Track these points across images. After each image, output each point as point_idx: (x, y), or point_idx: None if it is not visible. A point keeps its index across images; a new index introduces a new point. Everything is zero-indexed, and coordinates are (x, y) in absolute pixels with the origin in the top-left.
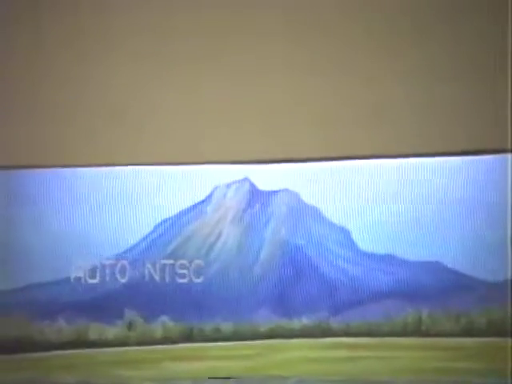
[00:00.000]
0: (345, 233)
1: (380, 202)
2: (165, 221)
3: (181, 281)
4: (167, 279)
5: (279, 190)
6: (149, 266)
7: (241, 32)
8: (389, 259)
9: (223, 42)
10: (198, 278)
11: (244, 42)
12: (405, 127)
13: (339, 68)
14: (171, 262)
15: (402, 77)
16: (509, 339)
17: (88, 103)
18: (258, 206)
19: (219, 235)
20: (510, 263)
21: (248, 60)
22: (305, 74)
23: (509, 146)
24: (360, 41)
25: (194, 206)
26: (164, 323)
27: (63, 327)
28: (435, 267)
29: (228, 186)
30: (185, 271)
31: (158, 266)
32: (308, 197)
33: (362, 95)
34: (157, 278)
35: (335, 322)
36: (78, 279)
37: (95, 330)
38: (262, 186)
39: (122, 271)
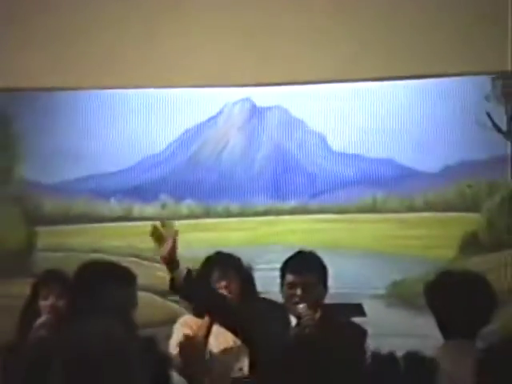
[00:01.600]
0: (322, 138)
1: (352, 116)
2: (188, 130)
3: (200, 174)
4: (190, 172)
5: (273, 107)
6: (177, 161)
7: None
8: (355, 157)
9: None
10: (213, 171)
11: None
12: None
13: None
14: (193, 161)
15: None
16: (441, 213)
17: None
18: (256, 118)
19: (228, 141)
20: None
21: None
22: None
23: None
24: None
25: (210, 119)
26: (189, 204)
27: (114, 205)
28: (389, 162)
29: (234, 103)
30: (202, 167)
31: (184, 161)
32: (295, 111)
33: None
34: (183, 170)
35: (313, 204)
36: (127, 170)
37: (138, 207)
38: (260, 103)
39: (158, 165)
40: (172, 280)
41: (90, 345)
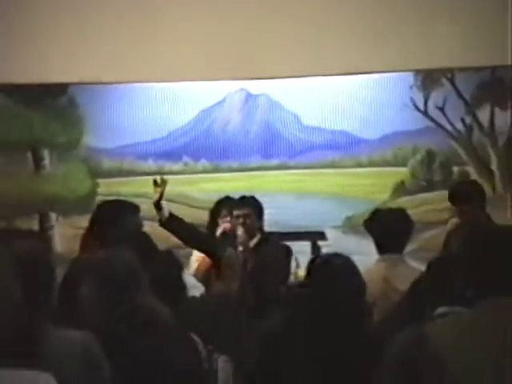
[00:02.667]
0: (296, 116)
1: (317, 101)
2: (202, 111)
3: (211, 142)
4: (204, 140)
5: (261, 94)
6: (195, 133)
7: None
8: (319, 130)
9: None
10: (220, 140)
11: None
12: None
13: None
14: (206, 132)
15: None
16: (380, 168)
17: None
18: (250, 102)
19: (230, 118)
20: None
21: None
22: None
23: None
24: None
25: (217, 103)
26: (203, 163)
27: (151, 164)
28: (344, 133)
29: (235, 92)
30: (213, 137)
31: (199, 133)
32: (277, 98)
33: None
34: (199, 139)
35: (290, 162)
36: (160, 140)
37: (168, 166)
38: (253, 92)
39: (181, 136)
40: (160, 219)
41: (115, 265)
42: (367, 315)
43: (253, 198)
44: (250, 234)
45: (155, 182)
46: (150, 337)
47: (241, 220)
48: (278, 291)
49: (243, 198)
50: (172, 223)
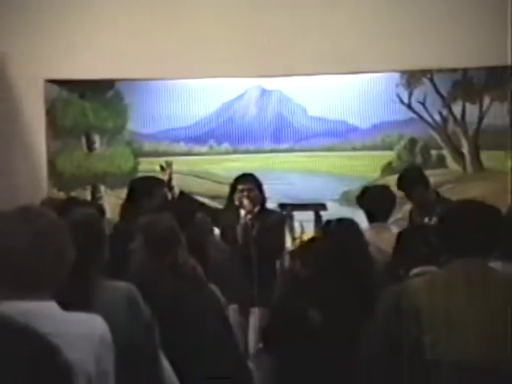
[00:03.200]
0: (303, 108)
1: (321, 97)
2: (225, 103)
3: (232, 128)
4: (226, 127)
5: (274, 90)
6: (219, 121)
7: None
8: (322, 120)
9: None
10: (239, 127)
11: None
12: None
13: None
14: (228, 121)
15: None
16: (371, 151)
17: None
18: (265, 97)
19: (248, 110)
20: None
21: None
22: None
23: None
24: None
25: (238, 97)
26: (225, 146)
27: (183, 146)
28: (342, 123)
29: (252, 88)
30: (234, 125)
31: (223, 121)
32: (287, 93)
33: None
34: (222, 126)
35: (297, 146)
36: (190, 126)
37: (196, 148)
38: (267, 87)
39: (207, 123)
40: (172, 197)
41: (159, 226)
42: (372, 264)
43: (251, 175)
44: (253, 204)
45: (161, 167)
46: (186, 284)
47: (245, 193)
48: (280, 249)
49: (245, 175)
50: (182, 199)
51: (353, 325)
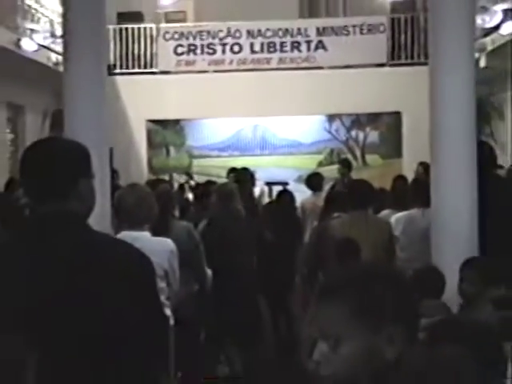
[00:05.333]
0: (274, 134)
1: (285, 129)
2: (237, 130)
3: (240, 145)
4: (236, 145)
5: (260, 124)
6: (231, 141)
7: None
8: (284, 139)
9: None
10: (242, 143)
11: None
12: None
13: None
14: (236, 141)
15: None
16: (311, 155)
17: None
18: (255, 129)
19: (247, 135)
20: None
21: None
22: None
23: None
24: None
25: (243, 128)
26: (236, 153)
27: (214, 153)
28: (296, 141)
29: (249, 123)
30: (240, 143)
31: (234, 142)
32: (267, 126)
33: None
34: (234, 144)
35: (274, 153)
36: (217, 143)
37: (221, 154)
38: (257, 123)
39: (226, 142)
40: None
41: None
42: (296, 210)
43: (247, 169)
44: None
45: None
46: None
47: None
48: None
49: (244, 168)
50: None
51: (293, 244)
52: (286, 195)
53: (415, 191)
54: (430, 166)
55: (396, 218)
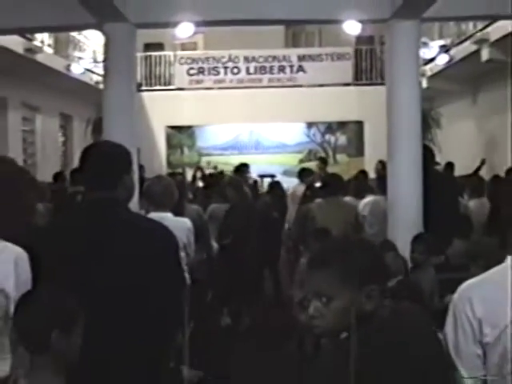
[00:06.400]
0: (266, 137)
1: (272, 134)
2: (236, 134)
3: (237, 147)
4: (234, 146)
5: (255, 130)
6: (229, 144)
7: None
8: (271, 141)
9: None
10: (239, 144)
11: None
12: None
13: None
14: (234, 144)
15: None
16: (294, 154)
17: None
18: (250, 133)
19: (244, 138)
20: None
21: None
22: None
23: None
24: None
25: (241, 132)
26: (236, 152)
27: (218, 152)
28: (282, 143)
29: (245, 129)
30: (237, 144)
31: (231, 144)
32: (259, 131)
33: None
34: (231, 146)
35: (265, 152)
36: (217, 145)
37: (224, 153)
38: (252, 129)
39: (228, 142)
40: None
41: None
42: (285, 195)
43: (247, 164)
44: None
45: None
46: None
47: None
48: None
49: (244, 164)
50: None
51: (280, 223)
52: (278, 185)
53: (379, 183)
54: (387, 163)
55: (365, 202)
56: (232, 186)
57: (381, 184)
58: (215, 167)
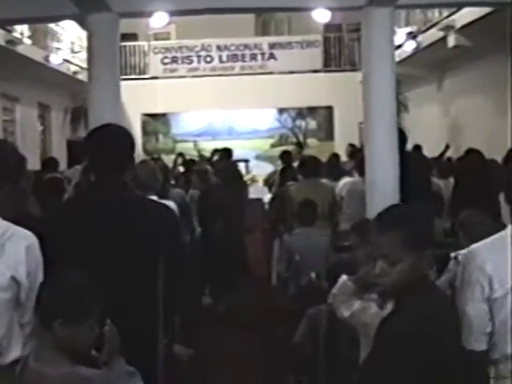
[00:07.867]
0: (239, 123)
1: (247, 121)
2: (210, 121)
3: (211, 133)
4: (209, 132)
5: (228, 117)
6: (205, 129)
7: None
8: (248, 127)
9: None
10: (213, 131)
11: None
12: None
13: None
14: (208, 129)
15: None
16: (266, 139)
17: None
18: (224, 119)
19: (218, 124)
20: None
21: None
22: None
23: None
24: None
25: (214, 119)
26: (209, 138)
27: (192, 138)
28: (255, 129)
29: (220, 115)
30: (211, 130)
31: (206, 129)
32: (231, 119)
33: None
34: (207, 131)
35: (238, 137)
36: (192, 132)
37: (197, 139)
38: (225, 116)
39: (202, 128)
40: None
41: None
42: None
43: (228, 149)
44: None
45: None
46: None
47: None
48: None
49: (226, 148)
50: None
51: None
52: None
53: (357, 164)
54: (364, 145)
55: (343, 182)
56: (196, 172)
57: (358, 166)
58: (199, 151)
